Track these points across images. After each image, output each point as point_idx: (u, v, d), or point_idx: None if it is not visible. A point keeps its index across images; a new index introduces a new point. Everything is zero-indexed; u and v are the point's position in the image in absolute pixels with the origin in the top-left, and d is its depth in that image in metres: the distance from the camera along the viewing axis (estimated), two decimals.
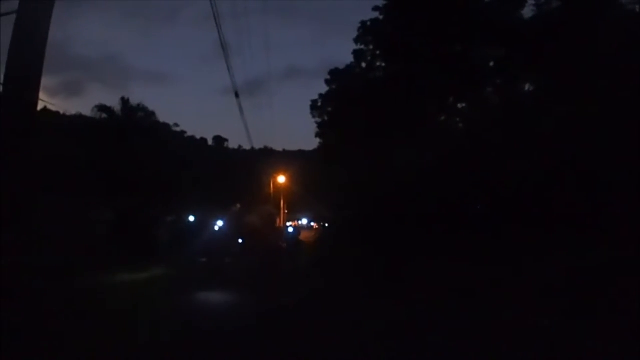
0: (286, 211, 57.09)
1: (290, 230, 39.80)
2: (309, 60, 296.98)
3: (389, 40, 25.23)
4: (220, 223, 28.07)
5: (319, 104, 33.91)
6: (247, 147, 60.17)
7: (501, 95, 22.58)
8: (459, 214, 19.86)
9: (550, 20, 18.86)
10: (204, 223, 28.34)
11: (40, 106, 9.04)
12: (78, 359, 6.69)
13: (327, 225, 48.66)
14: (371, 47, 27.19)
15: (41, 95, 8.57)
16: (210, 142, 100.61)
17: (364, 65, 28.34)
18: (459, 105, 25.01)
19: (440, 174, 19.68)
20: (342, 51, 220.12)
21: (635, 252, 11.27)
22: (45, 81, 8.55)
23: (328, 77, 31.48)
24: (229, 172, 54.11)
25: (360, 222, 25.74)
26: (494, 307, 9.77)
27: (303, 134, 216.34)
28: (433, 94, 22.90)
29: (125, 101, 27.96)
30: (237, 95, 20.00)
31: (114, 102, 27.57)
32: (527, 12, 21.20)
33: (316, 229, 60.59)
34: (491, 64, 22.90)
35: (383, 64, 27.31)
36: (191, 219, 28.40)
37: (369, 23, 26.24)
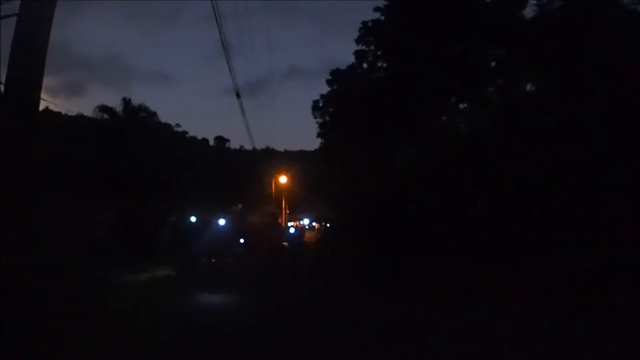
0: (288, 211, 57.12)
1: (292, 230, 39.71)
2: (310, 60, 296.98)
3: (390, 41, 25.26)
4: (222, 223, 28.02)
5: (321, 104, 34.07)
6: (248, 147, 60.15)
7: (502, 95, 22.59)
8: (460, 214, 19.87)
9: (552, 21, 18.89)
10: (206, 223, 28.29)
11: (42, 106, 9.07)
12: (78, 359, 6.71)
13: (328, 225, 48.64)
14: (372, 47, 27.27)
15: (43, 95, 8.64)
16: (211, 143, 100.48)
17: (365, 65, 28.44)
18: (461, 106, 25.06)
19: (441, 174, 19.70)
20: (343, 51, 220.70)
21: (635, 252, 11.27)
22: (46, 81, 8.61)
23: (329, 77, 31.71)
24: (231, 172, 54.14)
25: (361, 222, 25.79)
26: (494, 307, 9.77)
27: (304, 134, 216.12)
28: (434, 94, 22.93)
29: (126, 101, 27.88)
30: (238, 95, 20.08)
31: (116, 102, 27.45)
32: (528, 12, 21.33)
33: (318, 228, 60.52)
34: (492, 64, 22.96)
35: (384, 65, 27.38)
36: (193, 219, 28.36)
37: (370, 23, 26.30)
